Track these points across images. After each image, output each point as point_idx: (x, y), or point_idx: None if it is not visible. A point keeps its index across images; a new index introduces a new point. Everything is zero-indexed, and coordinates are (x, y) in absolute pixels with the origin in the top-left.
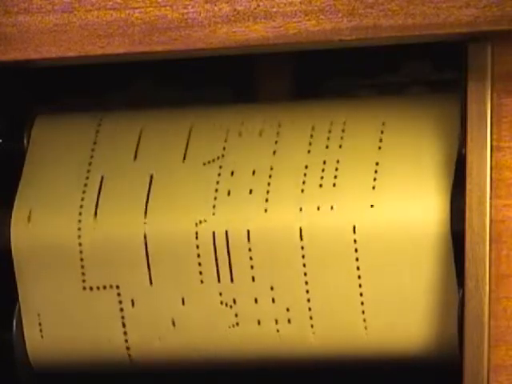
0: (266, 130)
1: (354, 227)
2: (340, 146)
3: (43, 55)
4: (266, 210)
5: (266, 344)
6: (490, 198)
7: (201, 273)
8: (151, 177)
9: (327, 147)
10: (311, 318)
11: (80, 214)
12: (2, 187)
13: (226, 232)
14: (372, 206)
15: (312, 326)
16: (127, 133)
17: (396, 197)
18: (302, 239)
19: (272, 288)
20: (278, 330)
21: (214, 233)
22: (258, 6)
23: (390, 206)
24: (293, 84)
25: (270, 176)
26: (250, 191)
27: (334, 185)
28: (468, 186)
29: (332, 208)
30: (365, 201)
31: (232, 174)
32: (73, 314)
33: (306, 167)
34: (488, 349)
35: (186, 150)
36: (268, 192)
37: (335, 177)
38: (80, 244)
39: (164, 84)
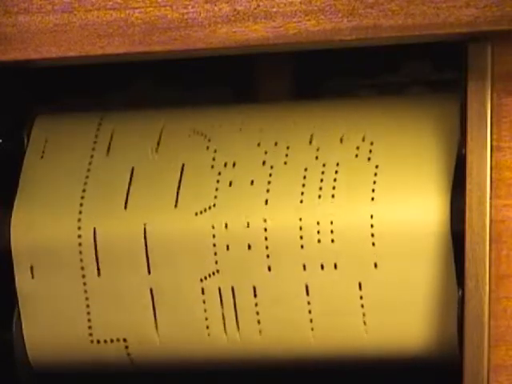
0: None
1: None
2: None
3: (43, 55)
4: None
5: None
6: (490, 198)
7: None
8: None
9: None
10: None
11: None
12: (1, 187)
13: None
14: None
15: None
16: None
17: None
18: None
19: (268, 191)
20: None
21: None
22: (258, 6)
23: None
24: (293, 84)
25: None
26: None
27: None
28: (468, 186)
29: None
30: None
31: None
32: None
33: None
34: (488, 349)
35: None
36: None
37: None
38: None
39: (164, 84)
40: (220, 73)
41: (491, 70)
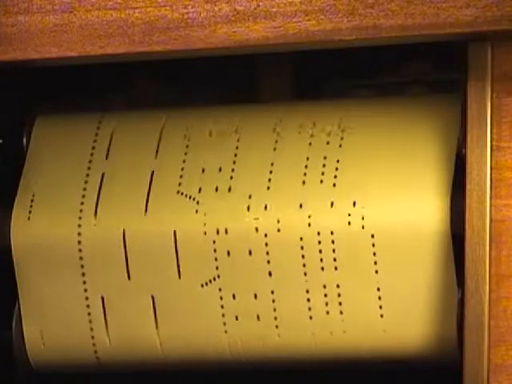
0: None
1: None
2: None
3: (43, 55)
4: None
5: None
6: (490, 198)
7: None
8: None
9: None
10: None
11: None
12: (1, 187)
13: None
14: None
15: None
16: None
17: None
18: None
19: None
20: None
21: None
22: (258, 6)
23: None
24: (293, 84)
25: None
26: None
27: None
28: (468, 186)
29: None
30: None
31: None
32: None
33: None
34: (488, 349)
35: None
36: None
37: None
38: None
39: (164, 84)
40: (220, 73)
41: (491, 70)
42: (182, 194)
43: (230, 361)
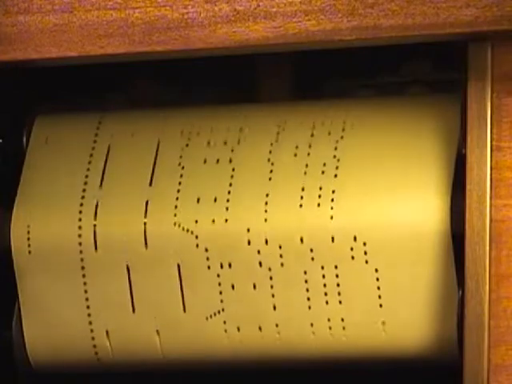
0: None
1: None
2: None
3: (43, 55)
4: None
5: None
6: (490, 198)
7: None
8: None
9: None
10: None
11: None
12: (2, 187)
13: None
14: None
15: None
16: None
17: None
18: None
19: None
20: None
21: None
22: (258, 6)
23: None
24: (293, 84)
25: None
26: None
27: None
28: (468, 186)
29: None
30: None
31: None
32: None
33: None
34: (488, 349)
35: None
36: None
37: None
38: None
39: (164, 84)
40: (220, 73)
41: (491, 70)
42: (179, 225)
43: (230, 362)
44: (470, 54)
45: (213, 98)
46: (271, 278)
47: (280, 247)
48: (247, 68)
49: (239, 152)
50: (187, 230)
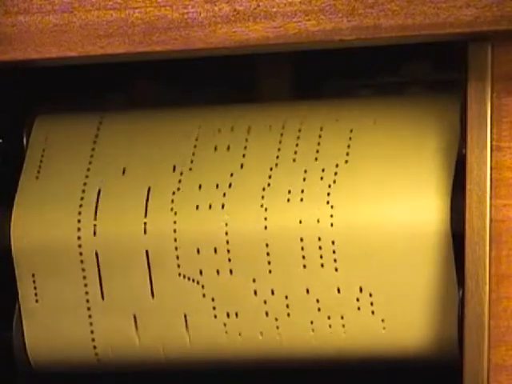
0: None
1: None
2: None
3: (43, 55)
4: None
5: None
6: (490, 198)
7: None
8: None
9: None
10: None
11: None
12: (2, 187)
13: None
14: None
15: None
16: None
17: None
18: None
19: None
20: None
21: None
22: (258, 5)
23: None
24: (293, 84)
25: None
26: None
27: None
28: (468, 186)
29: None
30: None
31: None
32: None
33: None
34: (488, 349)
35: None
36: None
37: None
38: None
39: (164, 84)
40: (220, 73)
41: (491, 70)
42: (183, 276)
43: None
44: (470, 54)
45: (213, 98)
46: (277, 328)
47: (287, 297)
48: (247, 68)
49: (230, 228)
50: (192, 280)
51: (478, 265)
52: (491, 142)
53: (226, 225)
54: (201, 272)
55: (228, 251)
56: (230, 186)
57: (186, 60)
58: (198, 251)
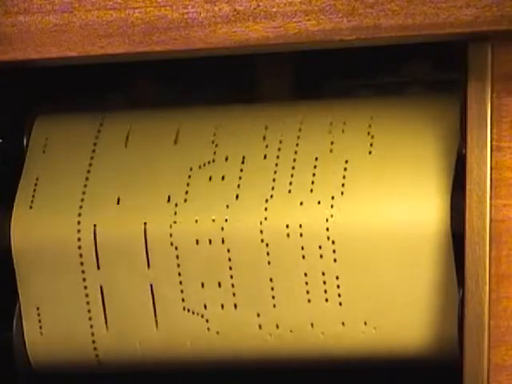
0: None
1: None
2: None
3: (43, 55)
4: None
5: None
6: (490, 198)
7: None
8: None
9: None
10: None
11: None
12: (2, 187)
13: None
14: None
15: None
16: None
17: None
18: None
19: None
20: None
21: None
22: (258, 5)
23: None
24: (293, 84)
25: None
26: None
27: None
28: (468, 186)
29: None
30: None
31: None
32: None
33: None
34: (488, 349)
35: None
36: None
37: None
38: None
39: (164, 84)
40: (220, 73)
41: (491, 70)
42: (188, 310)
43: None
44: (470, 54)
45: (213, 98)
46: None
47: (291, 331)
48: (247, 68)
49: (233, 263)
50: (197, 314)
51: (478, 265)
52: (491, 141)
53: (229, 260)
54: (205, 306)
55: (232, 285)
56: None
57: (186, 60)
58: (203, 285)
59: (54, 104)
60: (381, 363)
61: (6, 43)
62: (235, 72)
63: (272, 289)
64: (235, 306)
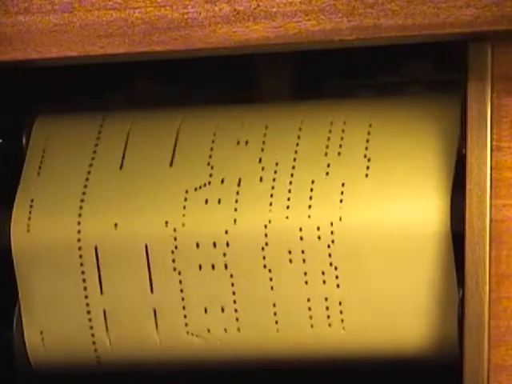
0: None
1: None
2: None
3: (43, 55)
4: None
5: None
6: (490, 198)
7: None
8: None
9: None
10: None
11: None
12: (2, 187)
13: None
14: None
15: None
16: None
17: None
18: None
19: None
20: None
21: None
22: (258, 6)
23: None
24: (293, 84)
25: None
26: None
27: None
28: (468, 186)
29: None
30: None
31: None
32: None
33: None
34: (488, 349)
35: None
36: (273, 187)
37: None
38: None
39: (164, 84)
40: (220, 73)
41: (491, 70)
42: (192, 334)
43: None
44: (470, 54)
45: (213, 98)
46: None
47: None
48: (247, 68)
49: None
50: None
51: (478, 265)
52: (491, 141)
53: (232, 285)
54: (208, 330)
55: (236, 310)
56: (234, 222)
57: (186, 60)
58: (206, 311)
59: (54, 104)
60: (381, 363)
61: (6, 43)
62: (235, 72)
63: (275, 314)
64: (238, 329)
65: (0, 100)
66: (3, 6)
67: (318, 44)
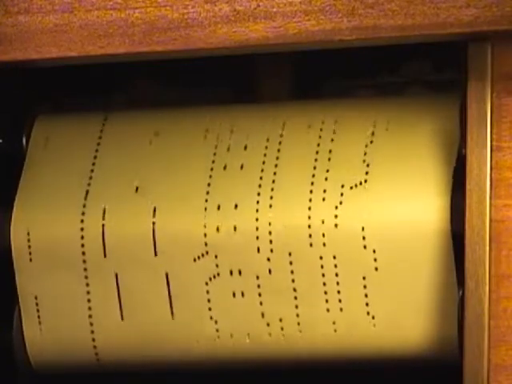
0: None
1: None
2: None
3: (43, 55)
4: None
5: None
6: (490, 198)
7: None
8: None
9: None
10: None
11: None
12: (2, 187)
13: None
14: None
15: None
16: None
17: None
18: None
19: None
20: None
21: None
22: (258, 6)
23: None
24: (293, 84)
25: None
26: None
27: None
28: (468, 186)
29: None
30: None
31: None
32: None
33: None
34: (488, 349)
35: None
36: (273, 189)
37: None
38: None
39: (164, 84)
40: (220, 73)
41: (491, 70)
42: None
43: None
44: (470, 54)
45: (213, 98)
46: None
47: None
48: (247, 68)
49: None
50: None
51: (478, 265)
52: (491, 141)
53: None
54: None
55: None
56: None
57: (186, 60)
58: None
59: (54, 104)
60: (381, 363)
61: (6, 43)
62: (235, 72)
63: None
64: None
65: (0, 100)
66: (3, 5)
67: (317, 44)
